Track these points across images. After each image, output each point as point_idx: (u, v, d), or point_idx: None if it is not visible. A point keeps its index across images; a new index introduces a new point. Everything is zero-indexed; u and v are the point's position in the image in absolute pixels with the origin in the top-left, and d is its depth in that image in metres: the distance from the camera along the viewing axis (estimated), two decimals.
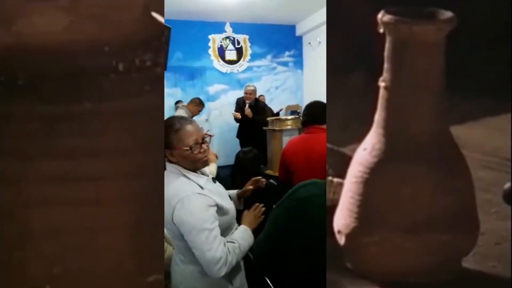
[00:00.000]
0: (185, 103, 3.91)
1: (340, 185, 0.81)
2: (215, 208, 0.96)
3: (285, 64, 5.69)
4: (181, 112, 3.24)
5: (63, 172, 0.61)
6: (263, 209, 1.12)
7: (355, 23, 0.85)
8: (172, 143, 0.96)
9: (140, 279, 0.65)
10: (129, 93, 0.62)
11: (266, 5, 4.46)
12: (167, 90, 4.51)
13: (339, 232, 0.77)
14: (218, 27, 5.10)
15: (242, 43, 5.30)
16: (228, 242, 0.97)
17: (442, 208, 0.73)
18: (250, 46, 5.36)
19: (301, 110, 4.66)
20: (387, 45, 0.72)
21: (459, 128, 1.06)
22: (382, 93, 0.74)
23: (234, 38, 5.22)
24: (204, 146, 0.99)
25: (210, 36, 5.07)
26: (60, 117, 0.60)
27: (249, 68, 5.37)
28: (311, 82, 5.64)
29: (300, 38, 5.82)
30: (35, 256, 0.62)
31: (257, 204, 1.13)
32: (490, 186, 0.93)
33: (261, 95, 4.53)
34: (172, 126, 0.97)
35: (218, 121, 5.19)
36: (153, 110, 0.63)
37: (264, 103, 4.38)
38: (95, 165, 0.62)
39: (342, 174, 0.80)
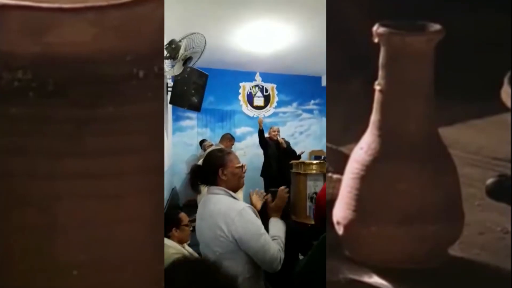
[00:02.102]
0: (209, 141, 4.11)
1: (339, 180, 0.85)
2: None
3: (310, 111, 5.82)
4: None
5: (88, 169, 0.65)
6: (287, 189, 1.23)
7: (352, 34, 0.91)
8: (226, 163, 1.14)
9: (154, 267, 0.70)
10: (147, 97, 0.67)
11: (294, 58, 4.67)
12: (197, 130, 4.80)
13: (338, 223, 0.82)
14: (248, 76, 5.35)
15: (270, 91, 5.51)
16: (273, 239, 1.09)
17: (431, 202, 0.77)
18: (277, 94, 5.57)
19: (325, 155, 4.68)
20: (381, 54, 0.77)
21: (447, 130, 1.10)
22: (377, 97, 0.78)
23: (263, 86, 5.43)
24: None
25: (241, 84, 5.30)
26: (86, 120, 0.64)
27: (275, 114, 5.55)
28: None
29: (325, 88, 6.01)
30: (63, 245, 0.65)
31: (280, 188, 1.23)
32: (475, 181, 0.97)
33: (286, 142, 4.57)
34: (223, 151, 1.21)
35: (243, 160, 5.26)
36: (160, 112, 0.68)
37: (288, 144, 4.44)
38: (117, 162, 0.66)
39: (341, 171, 0.84)
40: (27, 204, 0.64)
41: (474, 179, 0.99)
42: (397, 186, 0.77)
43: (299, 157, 4.47)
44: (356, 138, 0.82)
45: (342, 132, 0.96)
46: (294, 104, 5.72)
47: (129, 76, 0.65)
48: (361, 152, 0.80)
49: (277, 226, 1.16)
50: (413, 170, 0.77)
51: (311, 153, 5.42)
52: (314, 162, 3.87)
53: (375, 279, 0.78)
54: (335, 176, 0.90)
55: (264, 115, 5.32)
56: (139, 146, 0.68)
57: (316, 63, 4.96)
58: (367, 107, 0.80)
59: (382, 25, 0.75)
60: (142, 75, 0.66)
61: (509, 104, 0.90)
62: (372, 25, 0.76)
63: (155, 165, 0.69)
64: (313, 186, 3.14)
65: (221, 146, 3.27)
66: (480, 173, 1.00)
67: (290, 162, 3.72)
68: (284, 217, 1.22)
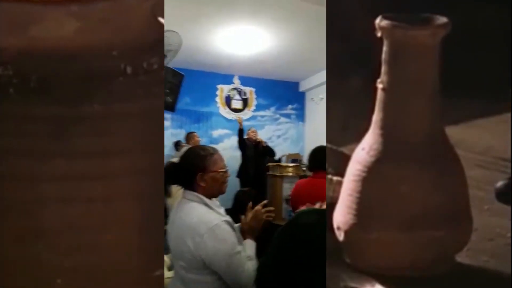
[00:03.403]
0: (185, 144, 4.08)
1: (339, 183, 0.83)
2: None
3: (287, 116, 6.00)
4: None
5: (74, 171, 0.62)
6: (264, 210, 1.13)
7: (353, 27, 0.87)
8: (207, 166, 1.00)
9: (147, 274, 0.67)
10: (136, 95, 0.63)
11: (272, 63, 4.78)
12: (172, 131, 4.78)
13: (338, 228, 0.79)
14: (227, 79, 5.42)
15: (248, 95, 5.60)
16: (249, 260, 0.98)
17: (437, 205, 0.74)
18: (255, 98, 5.68)
19: (302, 158, 4.94)
20: (384, 49, 0.74)
21: (454, 129, 1.08)
22: (379, 94, 0.76)
23: (241, 89, 5.52)
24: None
25: (218, 86, 5.37)
26: (71, 118, 0.61)
27: (253, 117, 5.65)
28: (312, 133, 5.97)
29: (303, 94, 6.18)
30: (47, 251, 0.63)
31: (256, 208, 1.13)
32: (483, 184, 0.95)
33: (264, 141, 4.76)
34: (206, 150, 1.03)
35: None
36: (157, 111, 0.64)
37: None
38: (104, 164, 0.63)
39: (341, 173, 0.82)
40: (8, 208, 0.61)
41: (482, 181, 0.96)
42: (401, 188, 0.74)
43: (279, 160, 4.58)
44: (357, 138, 0.80)
45: (342, 132, 0.93)
46: (272, 108, 5.88)
47: (117, 72, 0.62)
48: (362, 152, 0.78)
49: (253, 248, 1.03)
50: (417, 171, 0.75)
51: (288, 156, 5.56)
52: (290, 164, 4.01)
53: None
54: (335, 178, 0.86)
55: (242, 118, 5.41)
56: (129, 147, 0.65)
57: (294, 69, 5.25)
58: (369, 105, 0.78)
59: (385, 17, 0.72)
60: (130, 71, 0.63)
61: None
62: (375, 18, 0.73)
63: (147, 167, 0.66)
64: (289, 188, 3.21)
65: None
66: (489, 175, 0.98)
67: (267, 165, 3.80)
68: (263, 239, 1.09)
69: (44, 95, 0.61)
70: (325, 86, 5.74)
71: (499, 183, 0.90)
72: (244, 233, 1.07)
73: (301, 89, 6.10)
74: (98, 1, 0.62)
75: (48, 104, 0.61)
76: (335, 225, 0.80)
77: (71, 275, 0.64)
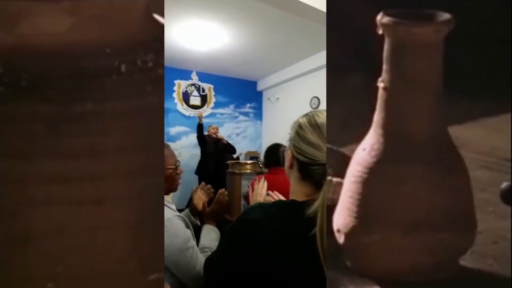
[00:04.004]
0: None
1: (339, 184, 0.81)
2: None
3: (246, 114, 6.12)
4: None
5: (65, 172, 0.61)
6: (226, 193, 1.18)
7: (354, 24, 0.86)
8: None
9: (141, 277, 0.65)
10: (131, 93, 0.62)
11: (230, 61, 4.87)
12: None
13: (338, 231, 0.78)
14: (184, 74, 5.38)
15: (207, 91, 5.55)
16: (202, 252, 0.98)
17: (441, 208, 0.73)
18: (214, 95, 5.66)
19: (260, 156, 5.08)
20: (386, 47, 0.73)
21: (458, 129, 1.07)
22: (381, 93, 0.75)
23: (199, 85, 5.48)
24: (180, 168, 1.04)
25: (176, 81, 5.31)
26: (63, 118, 0.60)
27: (212, 114, 5.66)
28: (269, 132, 6.16)
29: (260, 93, 6.35)
30: (37, 255, 0.62)
31: (220, 191, 1.17)
32: (488, 185, 0.94)
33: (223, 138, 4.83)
34: None
35: None
36: (154, 110, 0.64)
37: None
38: (97, 164, 0.62)
39: (341, 174, 0.81)
40: None
41: (487, 183, 0.95)
42: (403, 190, 0.73)
43: (237, 158, 4.64)
44: (358, 138, 0.79)
45: (342, 132, 0.91)
46: (231, 106, 5.92)
47: (110, 70, 0.61)
48: (363, 153, 0.76)
49: (210, 235, 1.05)
50: (420, 172, 0.74)
51: (247, 154, 5.64)
52: (249, 162, 4.04)
53: None
54: (335, 179, 0.85)
55: (202, 115, 5.43)
56: (123, 146, 0.64)
57: (252, 68, 5.38)
58: (369, 104, 0.77)
59: (387, 14, 0.71)
60: (124, 69, 0.62)
61: None
62: (376, 14, 0.72)
63: (144, 167, 0.65)
64: (247, 185, 3.24)
65: None
66: (494, 176, 0.96)
67: (226, 162, 3.84)
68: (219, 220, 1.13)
69: (35, 93, 0.60)
70: (280, 87, 5.94)
71: (504, 185, 0.88)
72: (205, 218, 1.10)
73: (259, 88, 6.23)
74: None
75: (40, 103, 0.60)
76: (334, 227, 0.79)
77: (63, 279, 0.63)
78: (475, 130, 1.07)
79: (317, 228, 0.68)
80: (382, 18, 0.71)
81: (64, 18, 0.59)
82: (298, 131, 0.78)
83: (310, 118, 0.79)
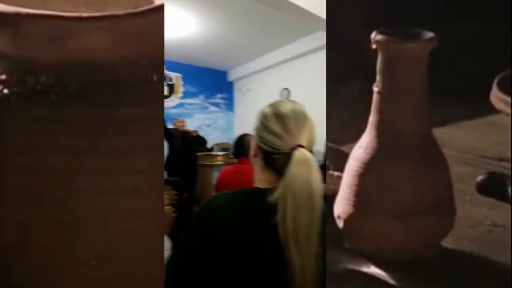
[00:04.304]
0: None
1: (339, 178, 0.90)
2: None
3: (217, 105, 5.73)
4: None
5: (106, 166, 0.70)
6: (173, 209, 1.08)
7: (351, 40, 0.96)
8: None
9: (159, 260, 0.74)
10: (158, 99, 0.71)
11: (199, 49, 4.57)
12: None
13: (338, 217, 0.87)
14: None
15: (174, 80, 5.16)
16: None
17: (425, 197, 0.81)
18: (183, 84, 5.27)
19: (231, 147, 4.92)
20: (379, 60, 0.81)
21: (440, 130, 1.16)
22: (375, 99, 0.82)
23: (166, 74, 5.12)
24: None
25: None
26: (104, 120, 0.68)
27: (181, 105, 5.30)
28: (241, 123, 5.80)
29: (231, 84, 5.96)
30: (82, 237, 0.69)
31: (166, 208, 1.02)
32: (466, 178, 1.02)
33: (194, 130, 4.44)
34: None
35: None
36: (162, 114, 0.72)
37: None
38: (131, 160, 0.71)
39: (341, 169, 0.89)
40: (47, 199, 0.67)
41: (465, 176, 1.03)
42: (393, 182, 0.81)
43: (211, 149, 4.42)
44: (355, 138, 0.87)
45: (342, 132, 1.00)
46: (201, 97, 5.54)
47: (144, 80, 0.69)
48: (360, 151, 0.84)
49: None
50: (408, 167, 0.81)
51: (218, 145, 5.36)
52: (220, 153, 3.90)
53: (372, 269, 0.83)
54: (335, 173, 0.95)
55: (168, 105, 4.98)
56: (150, 145, 0.72)
57: (222, 57, 5.02)
58: (365, 108, 0.85)
59: (380, 32, 0.80)
60: (156, 79, 0.71)
61: (498, 107, 0.95)
62: (371, 30, 0.81)
63: (159, 163, 0.74)
64: None
65: None
66: (471, 170, 1.05)
67: (196, 154, 3.68)
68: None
69: (81, 100, 0.67)
70: (252, 77, 5.69)
71: (479, 178, 0.99)
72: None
73: (229, 78, 5.90)
74: (128, 17, 0.69)
75: (84, 107, 0.67)
76: (335, 214, 0.88)
77: (104, 258, 0.71)
78: (456, 131, 1.16)
79: (279, 215, 0.66)
80: (376, 36, 0.80)
81: (104, 35, 0.67)
82: (262, 121, 0.76)
83: (274, 108, 0.76)
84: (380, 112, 0.83)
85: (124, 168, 0.71)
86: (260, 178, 0.77)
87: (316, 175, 0.68)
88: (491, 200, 0.98)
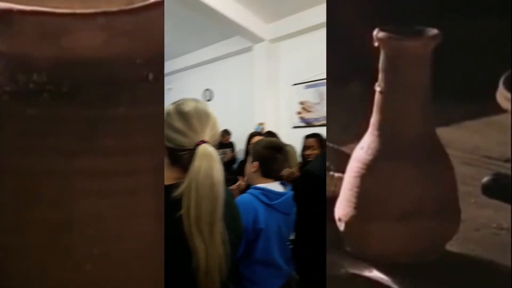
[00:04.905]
0: None
1: (340, 179, 0.88)
2: None
3: None
4: None
5: (101, 167, 0.68)
6: None
7: (352, 38, 0.94)
8: None
9: (159, 260, 0.72)
10: (155, 99, 0.70)
11: None
12: None
13: (339, 220, 0.84)
14: None
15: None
16: None
17: (429, 199, 0.79)
18: None
19: None
20: (381, 58, 0.79)
21: (444, 130, 1.13)
22: (377, 98, 0.81)
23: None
24: None
25: None
26: (98, 120, 0.66)
27: None
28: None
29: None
30: (78, 239, 0.68)
31: None
32: (470, 179, 1.00)
33: None
34: None
35: None
36: (161, 114, 0.71)
37: None
38: (127, 161, 0.69)
39: (342, 170, 0.87)
40: (41, 201, 0.66)
41: (469, 177, 1.01)
42: (396, 184, 0.79)
43: None
44: (357, 138, 0.85)
45: (343, 132, 0.98)
46: None
47: (140, 79, 0.68)
48: (361, 151, 0.83)
49: None
50: (411, 168, 0.79)
51: None
52: None
53: (374, 273, 0.80)
54: (336, 174, 0.93)
55: None
56: (147, 146, 0.71)
57: None
58: (367, 108, 0.83)
59: (382, 29, 0.78)
60: (152, 78, 0.69)
61: (504, 106, 0.93)
62: (372, 28, 0.79)
63: (158, 163, 0.72)
64: None
65: None
66: (476, 171, 1.03)
67: None
68: None
69: (75, 99, 0.66)
70: (173, 76, 5.76)
71: (485, 179, 0.97)
72: None
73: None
74: (123, 14, 0.67)
75: (78, 107, 0.66)
76: (336, 216, 0.85)
77: (99, 261, 0.69)
78: (460, 131, 1.14)
79: (183, 208, 0.68)
80: (378, 33, 0.78)
81: (99, 33, 0.65)
82: (166, 119, 0.78)
83: (177, 106, 0.78)
84: (382, 111, 0.81)
85: (120, 168, 0.69)
86: (167, 176, 0.78)
87: (218, 167, 0.71)
88: (497, 202, 0.96)
